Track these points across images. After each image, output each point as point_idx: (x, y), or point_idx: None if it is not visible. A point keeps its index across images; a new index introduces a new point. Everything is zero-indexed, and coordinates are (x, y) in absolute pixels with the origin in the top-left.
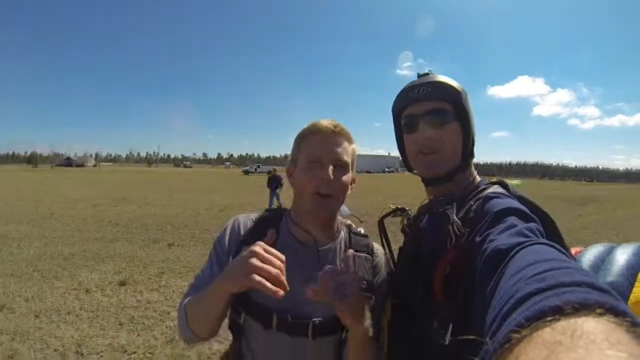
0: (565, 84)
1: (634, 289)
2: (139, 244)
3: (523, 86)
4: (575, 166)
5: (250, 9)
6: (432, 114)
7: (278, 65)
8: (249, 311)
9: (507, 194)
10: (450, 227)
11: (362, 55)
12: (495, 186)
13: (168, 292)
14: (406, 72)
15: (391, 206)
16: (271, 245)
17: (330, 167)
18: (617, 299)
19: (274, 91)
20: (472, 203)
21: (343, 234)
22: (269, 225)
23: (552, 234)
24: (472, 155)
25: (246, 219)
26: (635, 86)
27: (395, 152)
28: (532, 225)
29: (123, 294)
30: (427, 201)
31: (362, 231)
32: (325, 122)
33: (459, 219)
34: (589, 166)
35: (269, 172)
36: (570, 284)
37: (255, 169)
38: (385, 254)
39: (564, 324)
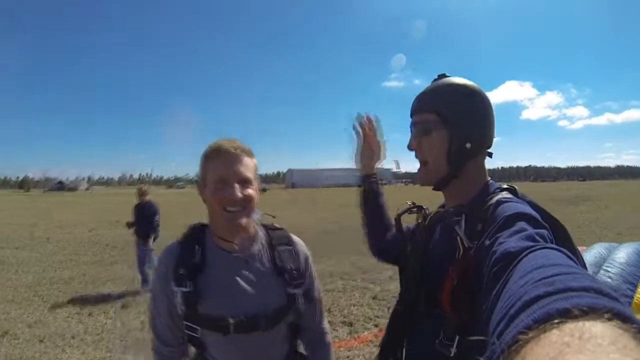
0: (554, 86)
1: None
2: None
3: (511, 91)
4: (567, 166)
5: (236, 26)
6: (415, 128)
7: (265, 81)
8: (204, 325)
9: (518, 199)
10: (458, 239)
11: (349, 67)
12: (505, 192)
13: None
14: (394, 83)
15: (407, 202)
16: (201, 260)
17: (236, 185)
18: (625, 305)
19: (262, 107)
20: (481, 213)
21: (261, 233)
22: (195, 242)
23: (563, 240)
24: (462, 160)
25: (173, 245)
26: (621, 84)
27: (388, 165)
28: (543, 231)
29: (126, 316)
30: (437, 212)
31: (277, 225)
32: (227, 144)
33: (469, 228)
34: (580, 165)
35: (137, 204)
36: (579, 289)
37: None
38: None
39: (571, 327)
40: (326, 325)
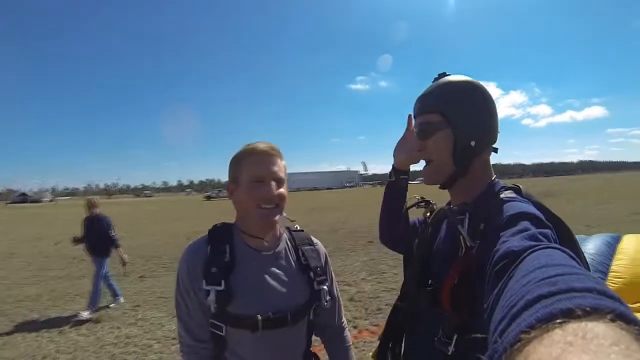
0: (518, 85)
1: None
2: None
3: None
4: (533, 163)
5: (197, 37)
6: (419, 129)
7: (231, 88)
8: (232, 323)
9: (522, 198)
10: (460, 238)
11: (318, 72)
12: (509, 191)
13: (146, 325)
14: (360, 86)
15: (415, 197)
16: (231, 259)
17: (273, 184)
18: (627, 307)
19: (229, 113)
20: (485, 212)
21: (285, 234)
22: (224, 241)
23: (567, 240)
24: (468, 158)
25: (198, 243)
26: (582, 82)
27: (355, 167)
28: (546, 231)
29: (100, 331)
30: (440, 209)
31: (298, 227)
32: (262, 145)
33: (472, 227)
34: (545, 162)
35: (87, 218)
36: (582, 289)
37: (217, 194)
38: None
39: (574, 326)
40: (345, 321)
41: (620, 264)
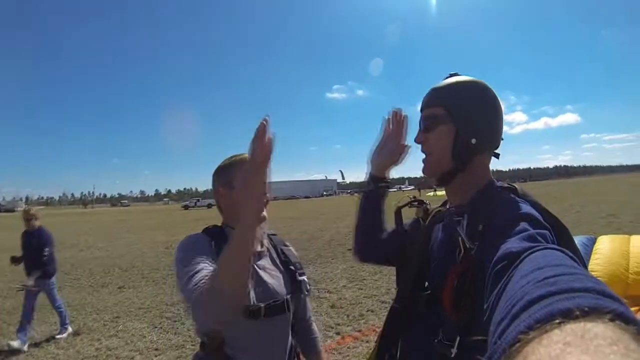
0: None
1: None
2: (86, 289)
3: None
4: (510, 169)
5: (178, 40)
6: (423, 122)
7: (208, 97)
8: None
9: (520, 199)
10: (459, 239)
11: (295, 81)
12: (506, 192)
13: (127, 337)
14: (337, 94)
15: (408, 196)
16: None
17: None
18: (627, 306)
19: (206, 124)
20: (483, 213)
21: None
22: (222, 239)
23: (565, 241)
24: (467, 155)
25: (199, 236)
26: (556, 90)
27: (333, 176)
28: (545, 232)
29: (79, 344)
30: (438, 211)
31: (272, 231)
32: None
33: (470, 228)
34: (521, 168)
35: (25, 232)
36: (581, 289)
37: (195, 204)
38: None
39: (573, 327)
40: (312, 315)
41: (596, 263)
